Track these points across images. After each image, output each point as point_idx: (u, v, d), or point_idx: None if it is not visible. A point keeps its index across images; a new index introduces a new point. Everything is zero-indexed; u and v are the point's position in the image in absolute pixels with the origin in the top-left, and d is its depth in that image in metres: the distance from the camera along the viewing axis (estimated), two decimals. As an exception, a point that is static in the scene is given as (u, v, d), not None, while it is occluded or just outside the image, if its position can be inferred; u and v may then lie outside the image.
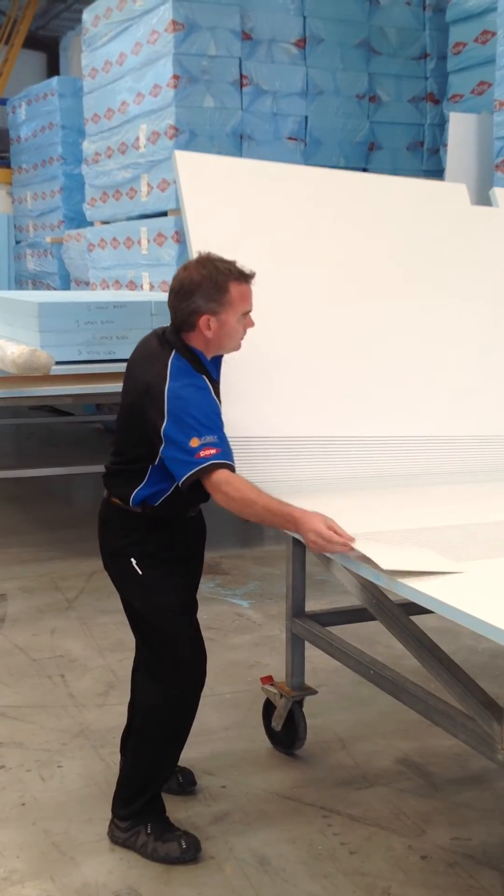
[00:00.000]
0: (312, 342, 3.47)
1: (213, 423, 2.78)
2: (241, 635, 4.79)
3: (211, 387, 2.87)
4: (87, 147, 9.24)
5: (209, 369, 2.93)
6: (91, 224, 9.39)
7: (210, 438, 2.73)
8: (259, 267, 3.36)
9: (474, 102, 7.45)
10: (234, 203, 3.47)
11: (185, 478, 2.74)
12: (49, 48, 15.68)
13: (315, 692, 3.57)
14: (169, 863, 2.93)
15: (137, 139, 8.23)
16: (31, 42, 15.13)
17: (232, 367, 3.12)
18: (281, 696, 3.53)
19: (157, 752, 3.04)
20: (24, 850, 3.01)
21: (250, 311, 2.90)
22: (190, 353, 2.90)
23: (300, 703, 3.55)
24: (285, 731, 3.55)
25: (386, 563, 2.46)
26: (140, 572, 2.97)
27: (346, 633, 3.48)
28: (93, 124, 9.12)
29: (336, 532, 2.63)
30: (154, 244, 7.93)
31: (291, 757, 3.57)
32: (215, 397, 2.86)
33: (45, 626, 4.89)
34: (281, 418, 3.31)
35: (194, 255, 3.22)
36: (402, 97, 8.28)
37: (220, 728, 3.82)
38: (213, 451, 2.72)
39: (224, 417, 2.86)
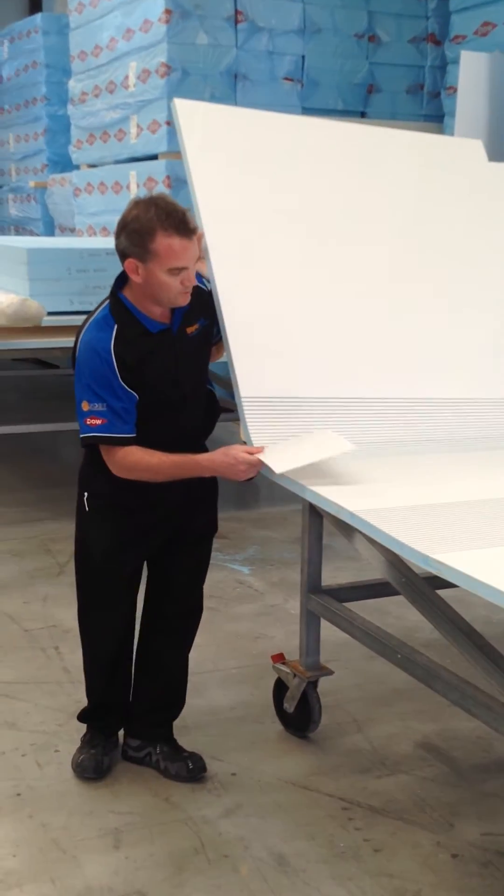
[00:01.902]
0: (326, 303, 3.20)
1: (102, 388, 2.70)
2: (243, 604, 4.55)
3: (140, 345, 2.74)
4: (73, 86, 8.83)
5: (143, 321, 2.76)
6: (77, 168, 9.01)
7: (98, 406, 2.71)
8: (265, 225, 3.10)
9: (477, 44, 7.09)
10: (240, 157, 3.22)
11: (81, 439, 2.77)
12: (31, -16, 15.07)
13: (331, 672, 3.33)
14: (180, 780, 3.06)
15: (126, 78, 7.85)
16: (13, -23, 14.52)
17: (244, 327, 2.91)
18: (294, 676, 3.29)
19: (86, 661, 3.15)
20: (21, 848, 2.78)
21: (184, 267, 2.65)
22: (117, 303, 2.76)
23: (314, 684, 3.32)
24: (298, 713, 3.32)
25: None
26: (86, 509, 2.95)
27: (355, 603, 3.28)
28: (79, 62, 8.71)
29: (248, 452, 2.72)
30: (144, 189, 7.58)
31: (304, 740, 3.35)
32: (111, 359, 2.69)
33: (37, 593, 4.63)
34: (297, 379, 3.04)
35: (201, 212, 2.95)
36: (402, 37, 7.91)
37: (227, 707, 3.58)
38: (98, 422, 2.72)
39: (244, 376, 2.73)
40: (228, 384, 2.99)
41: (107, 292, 2.82)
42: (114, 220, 2.73)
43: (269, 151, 3.27)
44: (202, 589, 3.16)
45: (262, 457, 2.72)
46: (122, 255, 2.69)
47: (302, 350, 3.07)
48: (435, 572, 2.09)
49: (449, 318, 3.38)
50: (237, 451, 2.73)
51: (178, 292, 2.70)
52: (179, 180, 7.30)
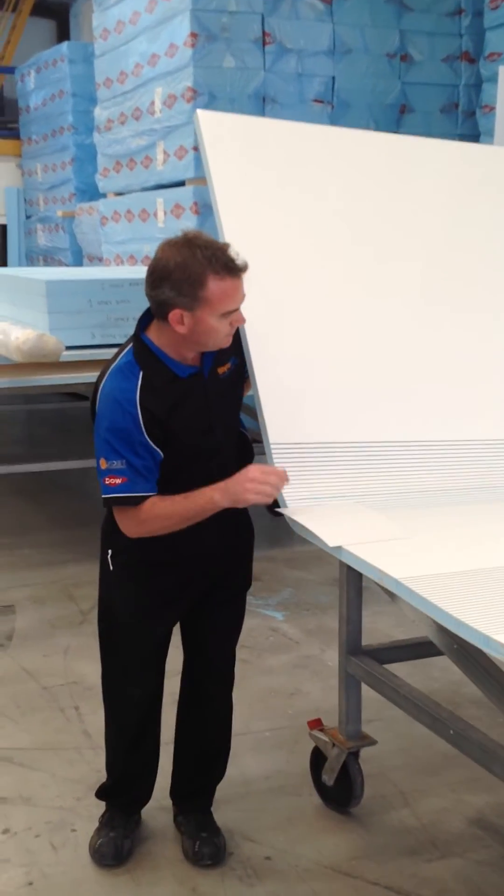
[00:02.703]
0: (352, 333, 2.90)
1: (121, 444, 2.43)
2: (277, 655, 4.26)
3: (171, 393, 2.48)
4: (100, 114, 8.68)
5: (171, 366, 2.48)
6: (104, 196, 8.85)
7: (116, 464, 2.45)
8: (291, 244, 2.84)
9: (514, 61, 6.86)
10: (264, 168, 2.94)
11: (103, 500, 2.51)
12: (59, 15, 15.05)
13: (374, 742, 3.02)
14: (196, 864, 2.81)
15: (152, 104, 7.68)
16: (41, 9, 14.52)
17: (272, 366, 2.65)
18: (333, 745, 2.99)
19: (108, 730, 2.90)
20: None
21: (236, 309, 2.42)
22: (142, 347, 2.47)
23: (356, 755, 3.01)
24: (338, 786, 3.01)
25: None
26: (110, 568, 2.70)
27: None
28: (105, 89, 8.55)
29: (265, 472, 2.46)
30: (171, 216, 7.38)
31: (346, 816, 3.04)
32: (136, 412, 2.43)
33: (58, 645, 4.36)
34: (329, 422, 2.75)
35: (223, 224, 2.69)
36: (435, 56, 7.66)
37: (260, 776, 3.28)
38: (118, 481, 2.45)
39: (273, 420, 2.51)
40: (253, 412, 2.73)
41: (130, 325, 2.55)
42: (141, 248, 2.52)
43: (299, 164, 2.99)
44: (235, 650, 2.89)
45: (307, 523, 2.46)
46: (164, 304, 2.40)
47: (332, 391, 2.79)
48: (497, 656, 1.79)
49: (485, 350, 3.08)
50: (247, 468, 2.48)
51: (225, 335, 2.46)
52: (207, 206, 7.08)
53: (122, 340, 2.61)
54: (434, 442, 2.84)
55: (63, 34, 14.85)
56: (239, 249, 2.42)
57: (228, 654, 2.86)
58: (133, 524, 2.50)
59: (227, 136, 2.88)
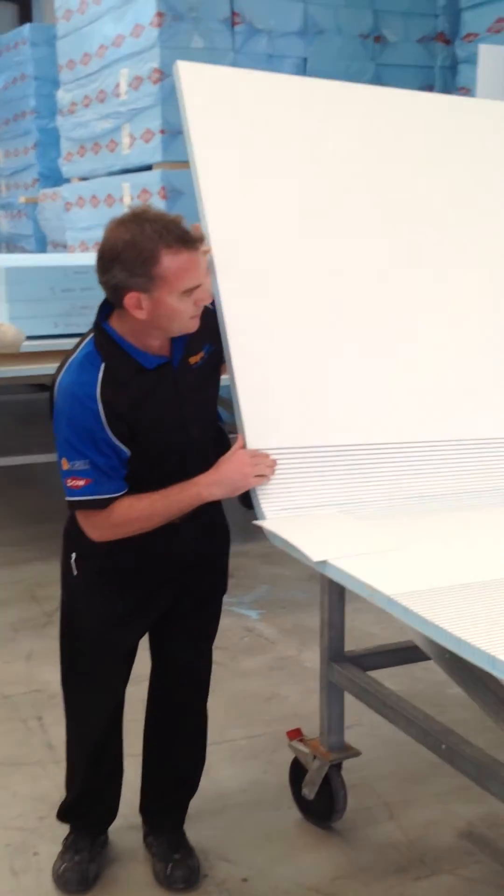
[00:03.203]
0: (342, 322, 2.66)
1: (83, 442, 2.23)
2: (252, 657, 4.07)
3: (141, 383, 2.28)
4: (63, 96, 8.42)
5: (137, 356, 2.27)
6: (68, 181, 8.59)
7: (79, 464, 2.25)
8: (279, 213, 2.62)
9: (490, 42, 6.64)
10: (251, 125, 2.65)
11: (67, 503, 2.32)
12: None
13: (358, 753, 2.84)
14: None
15: (118, 86, 7.44)
16: (1, -8, 14.18)
17: (253, 364, 2.45)
18: (314, 757, 2.80)
19: (68, 742, 2.71)
20: None
21: (197, 285, 2.20)
22: (104, 336, 2.26)
23: (338, 767, 2.83)
24: (320, 800, 2.83)
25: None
26: (74, 573, 2.49)
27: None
28: (68, 71, 8.30)
29: (254, 454, 2.34)
30: (138, 201, 7.15)
31: (328, 831, 2.86)
32: (96, 407, 2.21)
33: (20, 650, 4.14)
34: (311, 424, 2.54)
35: (202, 187, 2.47)
36: (409, 37, 7.46)
37: (236, 789, 3.10)
38: (81, 483, 2.25)
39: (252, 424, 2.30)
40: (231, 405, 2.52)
41: (95, 314, 2.35)
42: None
43: (290, 121, 2.72)
44: (211, 657, 2.70)
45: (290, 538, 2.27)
46: (118, 289, 2.18)
47: (319, 389, 2.57)
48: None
49: (484, 343, 2.87)
50: (238, 452, 2.35)
51: (190, 317, 2.24)
52: (176, 191, 6.88)
53: (87, 330, 2.41)
54: (425, 443, 2.62)
55: (25, 17, 14.53)
56: (220, 218, 2.23)
57: (203, 662, 2.67)
58: (102, 529, 2.30)
59: (209, 90, 2.61)
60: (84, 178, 8.20)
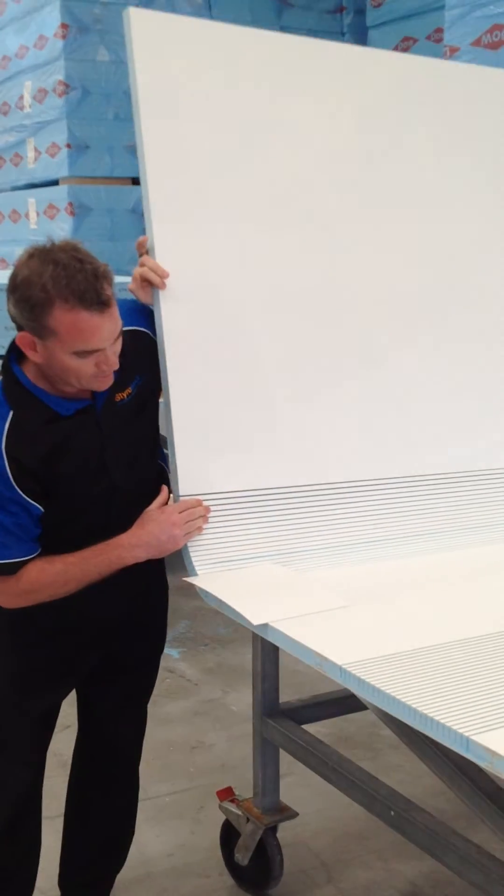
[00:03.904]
0: (299, 342, 2.42)
1: None
2: (175, 701, 3.84)
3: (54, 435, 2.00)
4: (-35, 109, 8.12)
5: (51, 403, 2.00)
6: (-28, 196, 8.28)
7: None
8: (238, 197, 2.34)
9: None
10: (209, 85, 2.30)
11: None
12: None
13: (294, 815, 2.63)
14: None
15: (22, 98, 7.20)
16: None
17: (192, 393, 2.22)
18: (248, 820, 2.59)
19: None
20: None
21: (95, 349, 1.89)
22: (12, 382, 1.99)
23: (274, 830, 2.62)
24: (254, 865, 2.62)
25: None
26: None
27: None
28: (-30, 83, 8.00)
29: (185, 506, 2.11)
30: (45, 217, 6.91)
31: (262, 899, 2.65)
32: (1, 463, 1.94)
33: None
34: (256, 464, 2.32)
35: (146, 158, 2.21)
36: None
37: (162, 853, 2.87)
38: None
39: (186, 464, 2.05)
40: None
41: (1, 336, 2.09)
42: (12, 251, 2.06)
43: (257, 79, 2.38)
44: (144, 721, 2.46)
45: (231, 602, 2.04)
46: (14, 323, 1.94)
47: (260, 426, 2.34)
48: (486, 766, 1.42)
49: (457, 371, 2.67)
50: (164, 508, 2.09)
51: (92, 376, 1.94)
52: (83, 207, 6.66)
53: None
54: (376, 482, 2.43)
55: None
56: (167, 229, 2.04)
57: (134, 729, 2.44)
58: (9, 595, 2.04)
59: (161, 40, 2.25)
60: (-12, 193, 7.93)
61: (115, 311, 1.90)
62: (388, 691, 1.57)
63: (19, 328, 1.93)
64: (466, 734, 1.43)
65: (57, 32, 6.64)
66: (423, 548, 2.38)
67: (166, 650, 4.24)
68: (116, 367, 1.96)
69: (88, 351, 1.88)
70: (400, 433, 2.50)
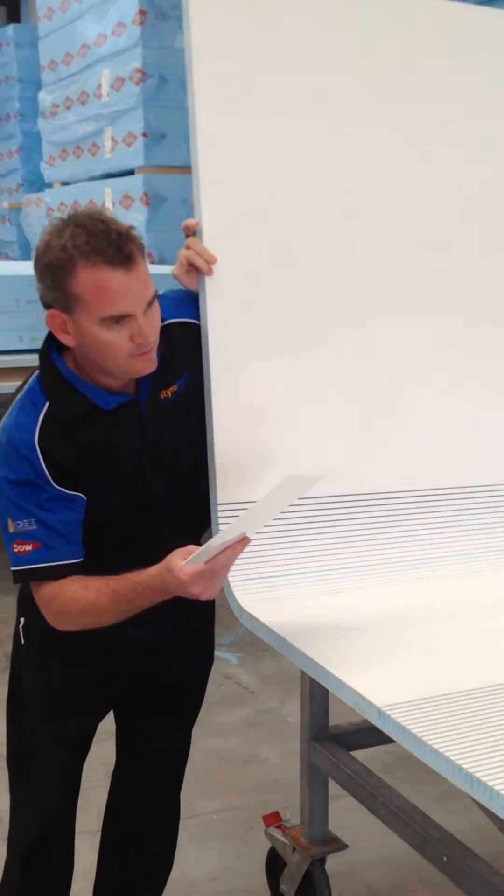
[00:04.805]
0: (354, 344, 2.23)
1: (26, 498, 1.82)
2: (229, 710, 3.70)
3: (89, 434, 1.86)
4: (44, 98, 8.10)
5: (91, 395, 1.85)
6: (50, 185, 8.26)
7: (24, 525, 1.83)
8: (299, 182, 2.14)
9: None
10: (270, 57, 2.11)
11: (12, 573, 1.88)
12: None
13: (344, 847, 2.46)
14: None
15: (99, 87, 7.12)
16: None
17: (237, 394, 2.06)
18: (294, 849, 2.43)
19: (9, 834, 2.22)
20: None
21: (124, 315, 1.74)
22: (51, 372, 1.85)
23: (322, 861, 2.45)
24: (300, 897, 2.45)
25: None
26: (22, 641, 2.09)
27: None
28: (50, 72, 7.98)
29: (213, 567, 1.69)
30: (120, 207, 6.81)
31: (309, 934, 2.48)
32: (36, 457, 1.81)
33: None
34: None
35: (198, 138, 2.06)
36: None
37: (205, 877, 2.72)
38: (28, 548, 1.84)
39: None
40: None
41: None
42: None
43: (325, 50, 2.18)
44: (187, 748, 2.31)
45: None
46: (44, 304, 1.81)
47: (318, 422, 2.17)
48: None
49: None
50: (178, 563, 1.72)
51: (129, 354, 1.77)
52: (158, 197, 6.55)
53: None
54: (435, 493, 2.24)
55: (13, 18, 14.22)
56: (215, 210, 1.88)
57: (174, 760, 2.28)
58: (50, 613, 1.88)
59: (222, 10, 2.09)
60: (66, 183, 7.88)
61: (144, 273, 1.76)
62: (432, 744, 1.39)
63: (47, 307, 1.79)
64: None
65: (135, 19, 6.55)
66: (486, 566, 2.18)
67: (223, 654, 4.14)
68: (153, 340, 1.80)
69: (117, 316, 1.73)
70: (468, 441, 2.30)
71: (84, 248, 1.69)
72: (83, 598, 1.82)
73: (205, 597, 1.72)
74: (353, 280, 2.22)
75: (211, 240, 2.04)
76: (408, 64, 2.28)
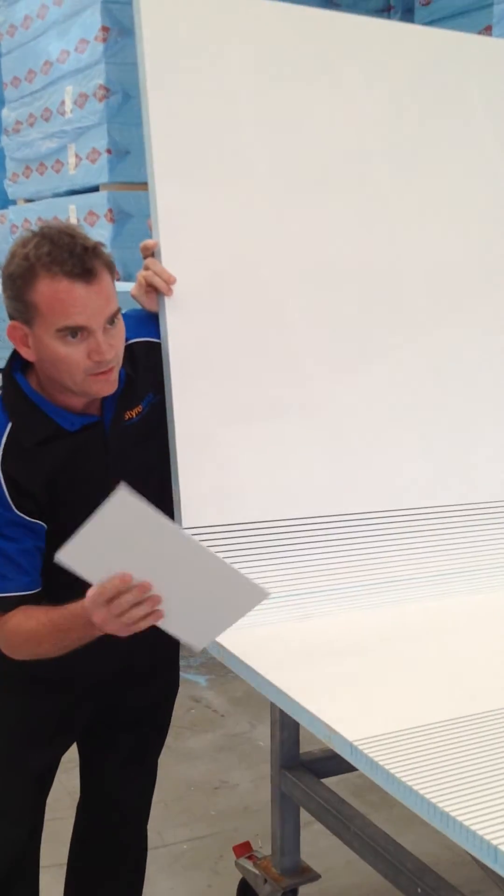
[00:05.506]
0: (314, 367, 2.20)
1: None
2: (199, 734, 3.63)
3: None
4: (7, 115, 8.08)
5: (55, 416, 1.81)
6: (14, 202, 8.22)
7: None
8: (255, 186, 2.15)
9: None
10: (226, 66, 2.13)
11: None
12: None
13: (317, 877, 2.41)
14: None
15: (63, 103, 7.11)
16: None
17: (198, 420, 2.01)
18: (265, 881, 2.37)
19: None
20: None
21: (80, 327, 1.71)
22: (13, 390, 1.81)
23: (294, 892, 2.39)
24: (272, 930, 2.39)
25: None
26: None
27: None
28: (13, 89, 7.96)
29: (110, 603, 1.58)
30: (85, 224, 6.77)
31: None
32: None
33: None
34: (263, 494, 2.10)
35: (153, 145, 2.08)
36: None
37: (175, 909, 2.66)
38: None
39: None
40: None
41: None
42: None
43: (281, 57, 2.20)
44: (153, 778, 2.25)
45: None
46: (8, 316, 1.78)
47: (281, 444, 2.13)
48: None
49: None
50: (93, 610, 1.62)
51: (86, 372, 1.74)
52: (123, 213, 6.51)
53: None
54: (407, 513, 2.20)
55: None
56: (171, 225, 1.85)
57: (140, 790, 2.23)
58: (1, 639, 1.83)
59: (175, 15, 2.09)
60: (30, 200, 7.83)
61: (108, 290, 1.73)
62: (407, 781, 1.35)
63: (11, 318, 1.76)
64: (495, 843, 1.19)
65: (98, 36, 6.53)
66: (456, 588, 2.15)
67: (192, 676, 4.08)
68: (114, 360, 1.76)
69: (72, 328, 1.69)
70: (447, 459, 2.27)
71: (45, 258, 1.68)
72: (24, 628, 1.77)
73: (110, 631, 1.63)
74: (321, 286, 2.20)
75: (170, 260, 2.00)
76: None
